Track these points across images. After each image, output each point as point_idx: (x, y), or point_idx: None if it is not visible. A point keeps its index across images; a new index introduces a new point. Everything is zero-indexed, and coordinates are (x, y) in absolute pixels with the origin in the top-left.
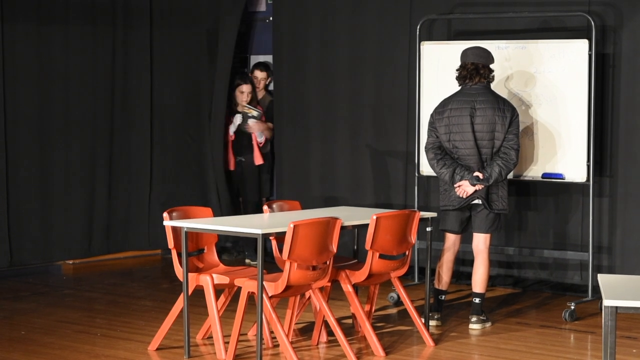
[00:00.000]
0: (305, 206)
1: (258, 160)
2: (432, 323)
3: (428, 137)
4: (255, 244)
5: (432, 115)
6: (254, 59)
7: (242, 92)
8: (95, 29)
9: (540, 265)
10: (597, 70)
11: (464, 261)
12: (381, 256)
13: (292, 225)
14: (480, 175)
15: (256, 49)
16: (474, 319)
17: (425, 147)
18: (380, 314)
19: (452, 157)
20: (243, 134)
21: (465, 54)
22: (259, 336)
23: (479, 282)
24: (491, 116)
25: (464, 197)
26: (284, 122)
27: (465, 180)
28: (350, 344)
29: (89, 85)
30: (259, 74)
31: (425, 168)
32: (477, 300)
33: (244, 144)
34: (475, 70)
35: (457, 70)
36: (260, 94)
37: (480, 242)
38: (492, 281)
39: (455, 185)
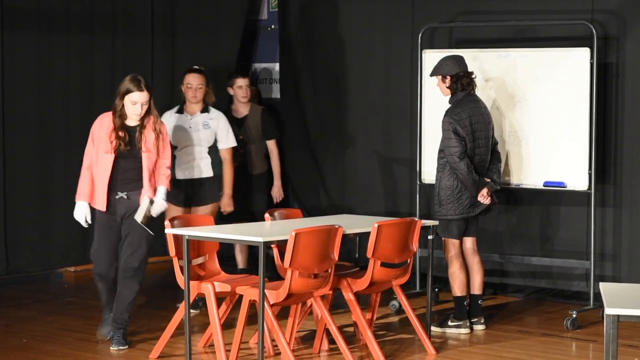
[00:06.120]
0: (311, 214)
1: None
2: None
3: (456, 145)
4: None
5: (451, 123)
6: (258, 67)
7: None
8: (95, 37)
9: (542, 274)
10: (600, 79)
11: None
12: (383, 264)
13: (293, 233)
14: (490, 181)
15: (259, 57)
16: (482, 319)
17: (459, 156)
18: (381, 322)
19: None
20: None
21: (456, 63)
22: (260, 344)
23: (481, 283)
24: (492, 121)
25: (487, 202)
26: (290, 130)
27: (486, 187)
28: (351, 352)
29: (88, 93)
30: (242, 81)
31: (427, 176)
32: (480, 301)
33: (129, 177)
34: (473, 77)
35: (459, 78)
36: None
37: (474, 244)
38: (494, 289)
39: (481, 194)
